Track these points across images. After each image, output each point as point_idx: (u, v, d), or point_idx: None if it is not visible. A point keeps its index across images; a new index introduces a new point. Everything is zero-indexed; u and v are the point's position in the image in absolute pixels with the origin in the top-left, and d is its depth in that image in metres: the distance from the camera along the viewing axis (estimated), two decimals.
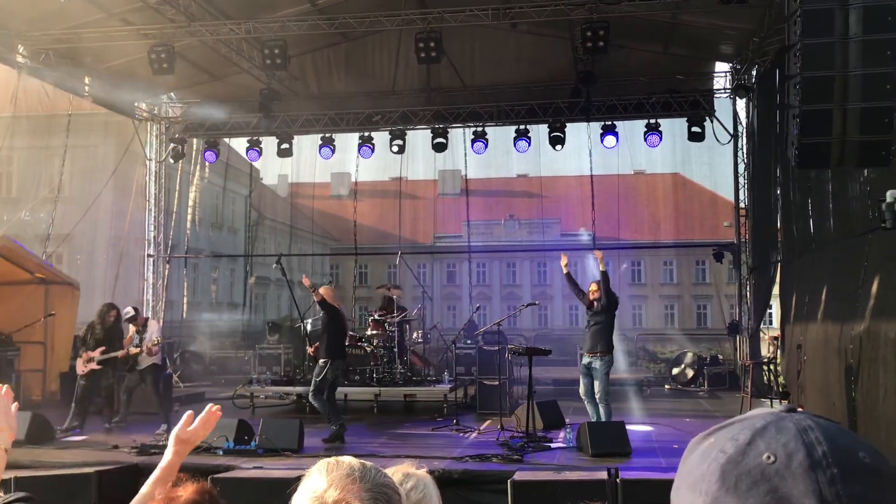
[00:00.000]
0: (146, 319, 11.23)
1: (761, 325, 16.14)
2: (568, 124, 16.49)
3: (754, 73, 15.10)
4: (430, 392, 12.73)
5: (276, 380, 13.80)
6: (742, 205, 16.66)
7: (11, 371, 12.73)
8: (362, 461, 1.40)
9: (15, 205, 19.13)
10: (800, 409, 0.85)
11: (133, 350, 10.49)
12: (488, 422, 10.92)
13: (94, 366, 10.45)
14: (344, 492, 1.30)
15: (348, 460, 1.38)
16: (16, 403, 2.61)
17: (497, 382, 11.42)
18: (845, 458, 0.77)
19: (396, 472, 2.09)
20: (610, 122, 16.33)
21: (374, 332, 13.00)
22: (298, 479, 1.39)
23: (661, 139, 16.35)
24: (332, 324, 9.97)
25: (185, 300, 20.88)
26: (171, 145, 17.75)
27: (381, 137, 17.49)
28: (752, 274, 15.89)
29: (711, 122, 16.39)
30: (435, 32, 12.45)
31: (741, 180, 16.65)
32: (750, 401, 11.72)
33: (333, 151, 17.63)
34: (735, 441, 0.80)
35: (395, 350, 12.90)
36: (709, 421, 11.43)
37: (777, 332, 14.35)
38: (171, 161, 18.25)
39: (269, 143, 17.69)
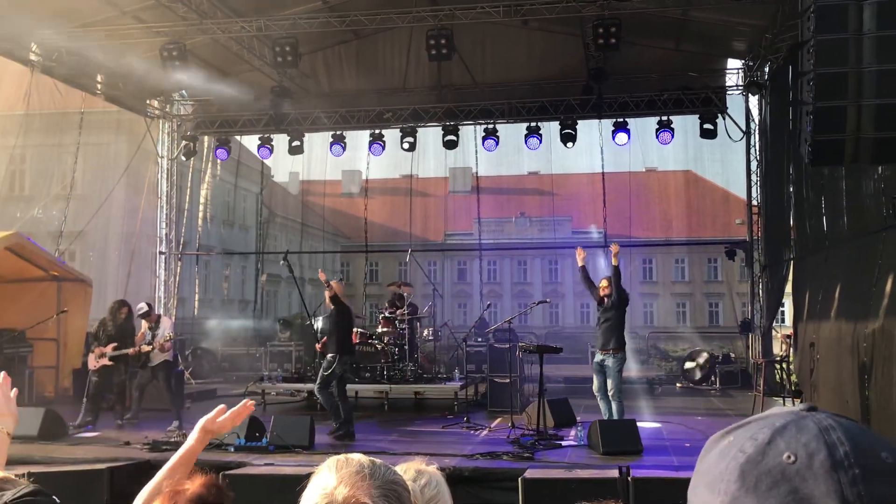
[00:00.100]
0: (159, 316, 11.26)
1: (774, 324, 16.06)
2: (579, 121, 16.45)
3: (767, 69, 15.01)
4: (440, 389, 12.73)
5: (287, 377, 13.83)
6: (755, 202, 16.58)
7: (24, 368, 12.81)
8: (372, 458, 1.39)
9: (28, 202, 19.25)
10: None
11: (145, 347, 10.53)
12: (499, 419, 10.90)
13: (105, 362, 10.49)
14: (354, 489, 1.29)
15: (358, 457, 1.38)
16: (15, 389, 2.63)
17: (508, 380, 11.41)
18: (867, 459, 0.75)
19: (408, 469, 2.09)
20: (621, 120, 16.28)
21: (385, 329, 13.01)
22: (309, 475, 1.39)
23: (672, 136, 16.28)
24: (342, 319, 10.03)
25: (196, 297, 20.96)
26: (183, 143, 17.81)
27: (391, 135, 17.50)
28: (765, 272, 15.81)
29: (724, 119, 16.31)
30: (446, 29, 12.44)
31: (754, 178, 16.56)
32: (762, 399, 11.66)
33: (344, 149, 17.65)
34: (754, 440, 0.79)
35: (406, 347, 12.90)
36: (721, 419, 11.41)
37: (790, 331, 14.26)
38: (183, 158, 18.31)
39: (281, 141, 17.73)
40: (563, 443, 9.18)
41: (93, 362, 10.59)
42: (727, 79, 16.56)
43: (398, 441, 9.64)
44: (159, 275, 18.42)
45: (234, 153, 19.41)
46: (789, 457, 0.76)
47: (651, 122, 16.54)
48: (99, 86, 15.51)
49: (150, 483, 2.34)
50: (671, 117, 16.23)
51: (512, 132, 17.78)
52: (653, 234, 33.65)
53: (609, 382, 9.64)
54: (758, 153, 16.27)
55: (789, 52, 12.43)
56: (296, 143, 17.41)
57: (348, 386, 12.30)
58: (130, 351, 10.53)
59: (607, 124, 16.68)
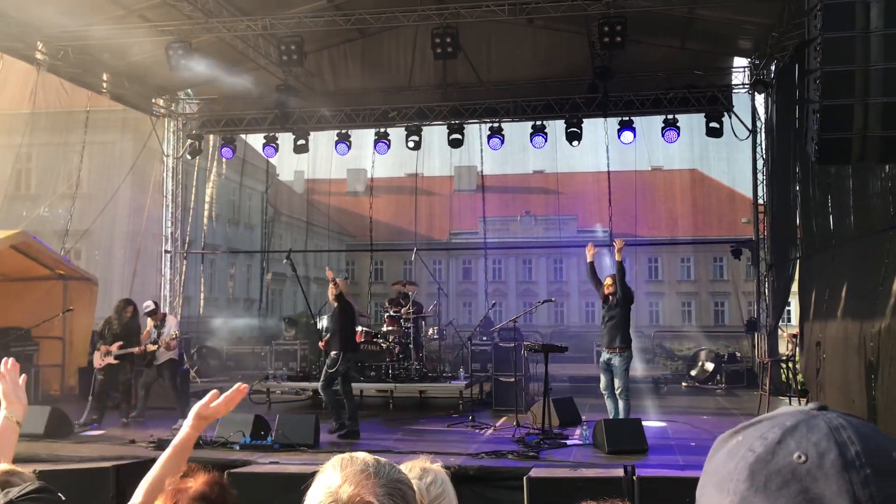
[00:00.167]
0: (164, 314, 11.30)
1: (780, 323, 16.02)
2: (585, 120, 16.42)
3: (773, 68, 14.97)
4: (445, 388, 12.72)
5: (293, 376, 13.84)
6: (761, 201, 16.53)
7: (30, 366, 12.82)
8: (377, 457, 1.38)
9: (34, 201, 19.28)
10: None
11: (150, 346, 10.55)
12: (504, 418, 10.89)
13: (111, 360, 10.51)
14: (358, 487, 1.29)
15: (362, 456, 1.37)
16: (23, 376, 2.62)
17: (513, 379, 11.39)
18: (879, 459, 0.74)
19: (413, 467, 2.09)
20: (627, 118, 16.25)
21: (390, 328, 13.01)
22: (314, 474, 1.38)
23: (678, 135, 16.25)
24: (346, 317, 10.08)
25: (201, 296, 20.98)
26: (188, 141, 17.85)
27: (396, 133, 17.49)
28: (771, 271, 15.76)
29: (730, 117, 16.27)
30: (451, 28, 12.43)
31: (760, 176, 16.52)
32: (768, 399, 11.63)
33: (349, 147, 17.66)
34: (764, 439, 0.78)
35: (411, 346, 12.90)
36: (726, 418, 11.40)
37: (796, 330, 14.24)
38: (188, 157, 18.34)
39: (286, 140, 17.73)
40: (569, 442, 9.16)
41: (98, 361, 10.61)
42: (733, 77, 16.52)
43: (403, 440, 9.64)
44: (165, 273, 18.46)
45: (239, 152, 19.43)
46: (800, 456, 0.75)
47: (657, 121, 16.51)
48: (105, 84, 15.55)
49: (150, 473, 2.33)
50: (677, 116, 16.19)
51: (517, 131, 17.77)
52: (658, 232, 33.57)
53: (616, 381, 9.63)
54: (764, 152, 16.22)
55: (796, 51, 12.40)
56: (301, 141, 17.41)
57: (354, 385, 12.39)
58: (136, 350, 10.55)
59: (613, 123, 16.64)
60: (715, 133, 16.23)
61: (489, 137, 16.85)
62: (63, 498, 1.82)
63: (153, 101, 17.40)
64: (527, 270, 44.54)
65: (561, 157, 21.42)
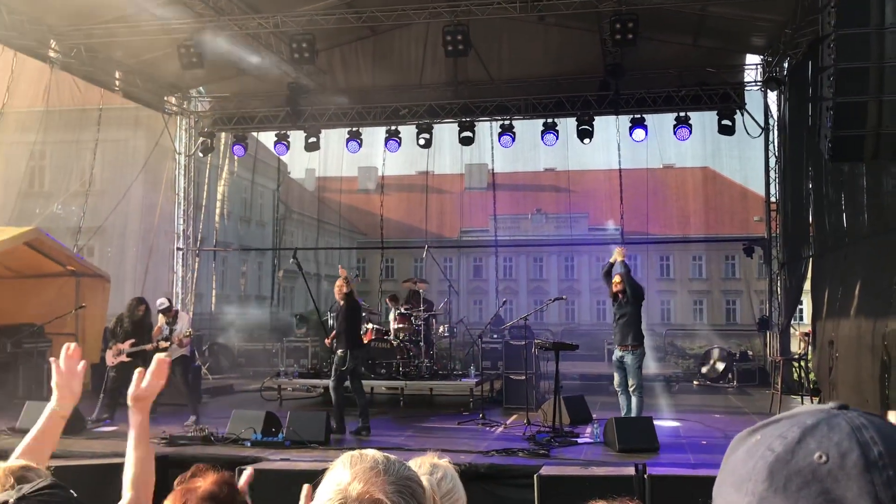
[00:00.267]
0: (177, 311, 11.34)
1: (792, 321, 15.93)
2: (596, 118, 16.38)
3: (786, 65, 14.88)
4: (455, 386, 12.72)
5: (304, 373, 13.87)
6: (773, 199, 16.45)
7: (43, 362, 12.90)
8: (386, 454, 1.38)
9: (47, 198, 19.37)
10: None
11: (163, 343, 10.59)
12: (514, 416, 10.88)
13: (123, 358, 10.56)
14: (368, 485, 1.28)
15: (372, 453, 1.37)
16: (83, 362, 2.56)
17: (524, 377, 11.38)
18: None
19: (423, 463, 2.09)
20: (639, 116, 16.19)
21: (401, 325, 13.01)
22: (325, 471, 1.38)
23: (690, 132, 16.18)
24: (352, 316, 10.14)
25: (213, 293, 21.06)
26: (200, 139, 17.91)
27: (407, 131, 17.49)
28: (783, 269, 15.68)
29: (742, 115, 16.19)
30: (462, 25, 12.41)
31: (772, 174, 16.43)
32: (780, 397, 11.58)
33: (360, 145, 17.68)
34: (784, 439, 0.76)
35: (421, 344, 12.90)
36: (738, 417, 11.35)
37: (808, 328, 14.15)
38: (200, 155, 18.41)
39: (297, 137, 17.77)
40: (579, 440, 9.15)
41: (111, 359, 10.66)
42: (745, 74, 16.43)
43: (413, 437, 9.64)
44: (177, 270, 18.53)
45: (250, 150, 19.48)
46: (820, 456, 0.73)
47: (668, 119, 16.45)
48: (117, 82, 15.62)
49: (128, 469, 2.29)
50: (689, 113, 16.13)
51: (528, 128, 17.73)
52: (670, 230, 33.46)
53: (629, 378, 9.64)
54: (776, 149, 16.14)
55: (809, 47, 12.32)
56: (312, 139, 17.45)
57: (364, 383, 12.40)
58: (148, 347, 10.59)
59: (624, 120, 16.59)
60: (727, 131, 16.16)
61: (500, 135, 16.82)
62: (74, 494, 1.82)
63: (165, 98, 17.47)
64: (537, 268, 44.48)
65: (572, 155, 21.35)
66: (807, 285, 14.50)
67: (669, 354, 20.38)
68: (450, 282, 14.67)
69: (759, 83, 16.14)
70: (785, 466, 0.74)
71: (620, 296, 9.81)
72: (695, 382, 16.15)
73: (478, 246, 37.17)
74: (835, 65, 7.04)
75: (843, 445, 0.73)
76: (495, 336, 13.51)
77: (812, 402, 12.03)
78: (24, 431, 9.08)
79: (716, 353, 16.65)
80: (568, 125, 16.74)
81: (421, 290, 13.65)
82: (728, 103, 16.08)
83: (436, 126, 17.35)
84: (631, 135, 16.34)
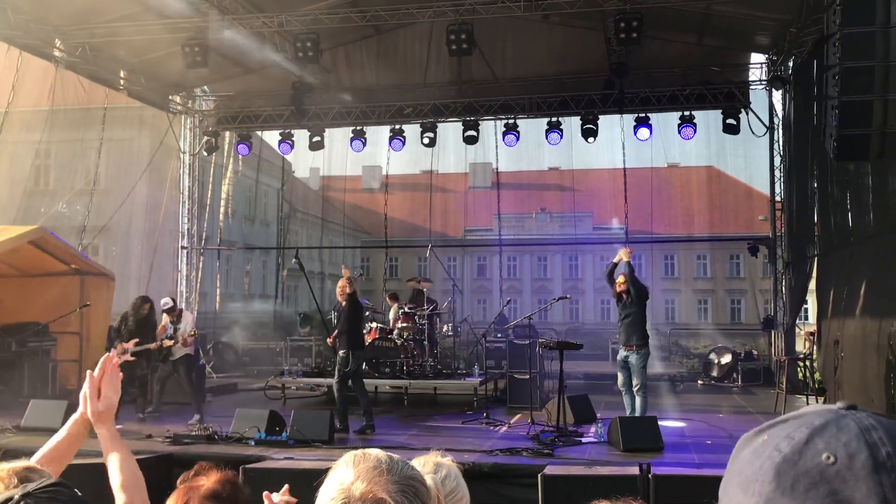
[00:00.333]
0: (181, 310, 11.34)
1: (797, 321, 15.89)
2: (600, 116, 16.35)
3: (791, 64, 14.83)
4: (459, 385, 12.72)
5: (308, 371, 13.88)
6: (778, 198, 16.41)
7: (48, 360, 12.95)
8: (389, 454, 1.37)
9: (52, 197, 19.43)
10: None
11: (167, 342, 10.60)
12: (518, 416, 10.88)
13: (128, 357, 10.55)
14: (371, 484, 1.28)
15: (375, 453, 1.36)
16: (119, 375, 2.51)
17: (528, 376, 11.37)
18: None
19: (427, 462, 2.09)
20: (643, 115, 16.16)
21: (404, 324, 13.01)
22: (329, 470, 1.38)
23: (695, 131, 16.16)
24: (354, 316, 10.18)
25: (218, 292, 21.08)
26: (205, 138, 17.92)
27: (412, 130, 17.48)
28: (788, 268, 15.65)
29: (747, 114, 16.14)
30: (466, 24, 12.40)
31: (777, 173, 16.39)
32: (785, 397, 11.55)
33: (365, 144, 17.68)
34: (791, 439, 0.75)
35: (425, 343, 12.90)
36: (743, 417, 11.32)
37: (813, 328, 14.12)
38: (205, 154, 18.42)
39: (301, 136, 17.78)
40: (583, 439, 9.14)
41: (115, 357, 10.67)
42: (750, 73, 16.37)
43: (417, 436, 9.64)
44: (181, 269, 18.55)
45: (255, 149, 19.49)
46: (828, 457, 0.72)
47: (673, 117, 16.41)
48: (122, 81, 15.64)
49: (114, 477, 2.27)
50: (693, 112, 16.10)
51: (532, 127, 17.71)
52: (674, 229, 33.43)
53: (633, 378, 9.63)
54: (781, 148, 16.10)
55: (814, 46, 12.28)
56: (316, 138, 17.45)
57: (368, 381, 12.44)
58: (152, 346, 10.60)
59: (629, 119, 16.56)
60: (732, 130, 16.12)
61: (504, 134, 16.80)
62: (79, 493, 1.82)
63: (170, 97, 17.49)
64: (542, 267, 44.47)
65: (576, 154, 21.37)
66: (812, 285, 14.45)
67: (674, 354, 20.36)
68: (454, 281, 14.66)
69: (763, 82, 16.09)
70: (792, 467, 0.73)
71: (625, 296, 9.80)
72: (699, 382, 16.12)
73: (482, 245, 37.19)
74: (840, 63, 7.02)
75: (852, 446, 0.72)
76: (499, 335, 13.50)
77: (817, 402, 12.02)
78: (29, 430, 9.13)
79: (720, 352, 16.62)
80: (572, 124, 16.71)
81: (425, 289, 13.66)
82: (733, 102, 16.04)
83: (440, 125, 17.34)
84: (635, 134, 16.32)
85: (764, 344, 17.31)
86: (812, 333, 13.81)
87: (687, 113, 16.05)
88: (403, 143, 17.49)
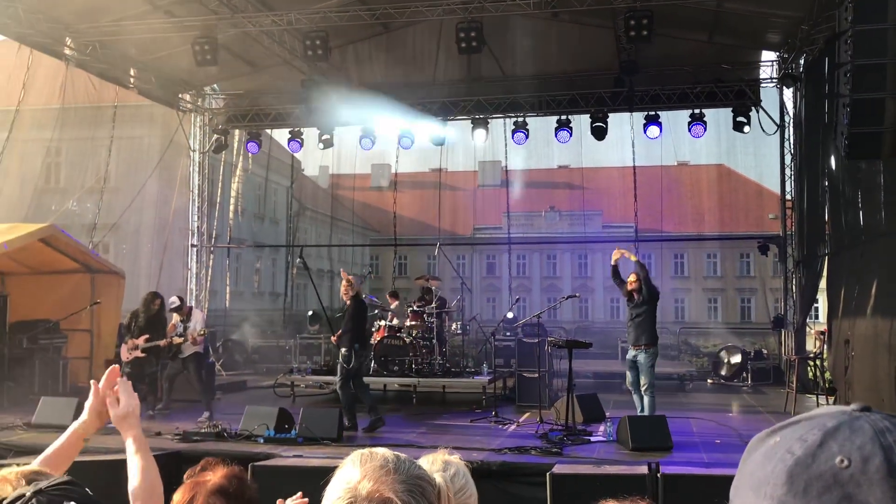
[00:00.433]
0: (191, 308, 11.38)
1: (807, 320, 15.82)
2: (610, 115, 16.30)
3: (802, 61, 14.76)
4: (468, 384, 12.71)
5: (317, 369, 13.90)
6: (789, 196, 16.33)
7: (59, 358, 13.01)
8: (396, 453, 1.37)
9: (63, 195, 19.51)
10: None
11: (177, 339, 10.63)
12: (527, 414, 10.87)
13: (138, 354, 10.61)
14: (378, 483, 1.27)
15: (382, 452, 1.36)
16: (116, 387, 2.54)
17: (537, 375, 11.35)
18: None
19: (435, 460, 2.09)
20: (653, 113, 16.11)
21: (413, 322, 13.01)
22: (337, 468, 1.37)
23: (705, 129, 16.09)
24: (359, 315, 10.21)
25: (227, 289, 21.15)
26: (215, 136, 17.96)
27: (421, 128, 17.46)
28: (799, 267, 15.57)
29: (757, 112, 16.07)
30: (476, 22, 12.38)
31: (788, 171, 16.31)
32: (795, 396, 11.50)
33: (374, 143, 17.68)
34: (804, 442, 0.74)
35: (434, 341, 12.90)
36: (752, 416, 11.29)
37: (823, 327, 14.05)
38: (214, 152, 18.46)
39: (311, 135, 17.80)
40: (592, 438, 9.12)
41: (125, 354, 10.72)
42: (761, 71, 16.30)
43: (426, 434, 9.64)
44: (191, 267, 18.61)
45: (264, 147, 19.54)
46: (842, 460, 0.71)
47: (683, 116, 16.35)
48: (132, 80, 15.69)
49: (133, 483, 2.29)
50: (704, 110, 16.03)
51: (542, 125, 17.69)
52: (684, 228, 33.32)
53: (642, 377, 9.61)
54: (792, 147, 16.02)
55: (826, 44, 12.21)
56: (325, 136, 17.47)
57: (377, 380, 12.54)
58: (162, 343, 10.64)
59: (639, 117, 16.50)
60: (742, 128, 16.05)
61: (513, 132, 16.78)
62: (90, 493, 1.82)
63: (179, 96, 17.54)
64: (551, 266, 44.42)
65: (586, 152, 21.30)
66: (822, 283, 14.39)
67: (683, 353, 20.31)
68: (462, 279, 14.65)
69: (774, 80, 16.01)
70: (805, 470, 0.72)
71: (636, 295, 9.78)
72: (709, 381, 16.08)
73: (491, 243, 37.17)
74: (852, 61, 6.97)
75: (866, 449, 0.71)
76: (508, 333, 13.48)
77: (827, 402, 11.96)
78: (40, 427, 9.16)
79: (730, 351, 16.56)
80: (582, 122, 16.66)
81: (434, 288, 13.64)
82: (743, 100, 15.96)
83: (449, 123, 17.33)
84: (645, 132, 16.26)
85: (774, 343, 17.24)
86: (822, 332, 13.75)
87: (697, 111, 15.99)
88: (412, 142, 17.49)
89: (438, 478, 1.88)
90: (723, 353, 16.68)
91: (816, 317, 21.30)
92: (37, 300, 13.21)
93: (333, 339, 10.86)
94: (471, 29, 12.33)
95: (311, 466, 7.13)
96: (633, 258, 10.10)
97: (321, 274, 30.49)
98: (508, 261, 24.55)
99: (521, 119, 16.72)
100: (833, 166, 12.62)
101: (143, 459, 2.31)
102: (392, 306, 13.96)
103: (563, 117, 16.48)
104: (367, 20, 13.35)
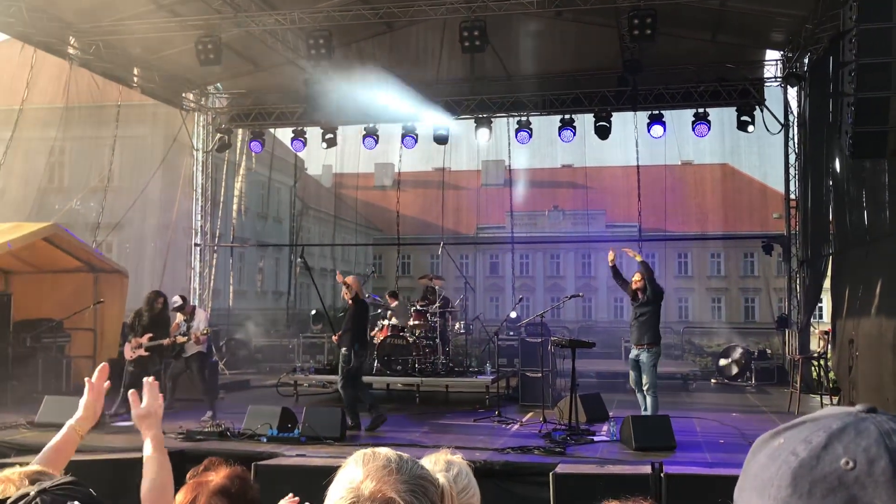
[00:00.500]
0: (194, 307, 11.38)
1: (811, 320, 15.78)
2: (614, 114, 16.28)
3: (806, 60, 14.72)
4: (471, 383, 12.70)
5: (320, 368, 13.90)
6: (793, 196, 16.29)
7: (62, 357, 13.03)
8: (399, 453, 1.36)
9: (66, 194, 19.56)
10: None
11: (180, 339, 10.63)
12: (530, 414, 10.86)
13: (142, 352, 10.62)
14: (380, 483, 1.27)
15: (385, 452, 1.35)
16: (107, 383, 2.59)
17: (540, 374, 11.35)
18: None
19: (438, 460, 2.09)
20: (657, 112, 16.08)
21: (416, 322, 13.01)
22: (339, 468, 1.37)
23: (709, 129, 16.06)
24: (360, 315, 10.24)
25: (231, 289, 21.17)
26: (218, 136, 17.97)
27: (424, 128, 17.47)
28: (803, 267, 15.54)
29: (761, 111, 16.04)
30: (479, 21, 12.37)
31: (792, 171, 16.27)
32: (799, 396, 11.48)
33: (377, 142, 17.68)
34: (808, 443, 0.74)
35: (438, 341, 12.89)
36: (756, 416, 11.27)
37: (828, 327, 14.02)
38: (218, 151, 18.48)
39: (314, 134, 17.80)
40: (596, 438, 9.11)
41: (129, 353, 10.72)
42: (765, 70, 16.26)
43: (429, 434, 9.63)
44: (195, 266, 18.62)
45: (267, 146, 19.55)
46: (847, 462, 0.70)
47: (687, 115, 16.33)
48: (135, 79, 15.70)
49: (151, 486, 2.32)
50: (708, 109, 16.01)
51: (545, 124, 17.66)
52: (688, 227, 33.32)
53: (644, 377, 9.60)
54: (796, 146, 15.97)
55: (830, 43, 12.18)
56: (329, 135, 17.47)
57: (380, 379, 12.63)
58: (166, 341, 10.64)
59: (642, 117, 16.48)
60: (746, 127, 16.02)
61: (517, 131, 16.77)
62: (94, 493, 1.82)
63: (183, 95, 17.55)
64: (554, 265, 44.43)
65: (590, 152, 21.29)
66: (827, 283, 14.36)
67: (687, 352, 20.28)
68: (466, 278, 14.64)
69: (778, 79, 15.98)
70: (810, 472, 0.72)
71: (640, 294, 9.76)
72: (712, 381, 16.05)
73: (494, 242, 37.21)
74: (856, 60, 6.95)
75: (872, 452, 0.70)
76: (511, 333, 13.48)
77: (832, 402, 11.94)
78: (43, 426, 9.17)
79: (734, 351, 16.53)
80: (585, 121, 16.65)
81: (437, 287, 13.64)
82: (747, 99, 15.94)
83: (452, 122, 17.32)
84: (649, 131, 16.24)
85: (778, 343, 17.21)
86: (827, 332, 13.72)
87: (701, 110, 15.96)
88: (416, 141, 17.48)
89: (442, 478, 1.88)
90: (726, 353, 16.65)
91: (820, 316, 21.27)
92: (40, 299, 13.23)
93: (334, 338, 10.88)
94: (474, 28, 12.32)
95: (314, 466, 7.14)
96: (638, 258, 10.11)
97: (324, 273, 30.54)
98: (512, 260, 24.55)
99: (524, 118, 16.71)
100: (837, 166, 12.59)
101: (159, 459, 2.37)
102: (392, 306, 13.97)
103: (567, 116, 16.47)
104: (370, 19, 13.35)
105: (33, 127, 15.94)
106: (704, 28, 14.57)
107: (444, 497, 1.85)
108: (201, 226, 18.73)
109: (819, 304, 17.47)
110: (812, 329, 15.68)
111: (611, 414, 10.33)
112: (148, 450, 2.43)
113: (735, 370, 16.04)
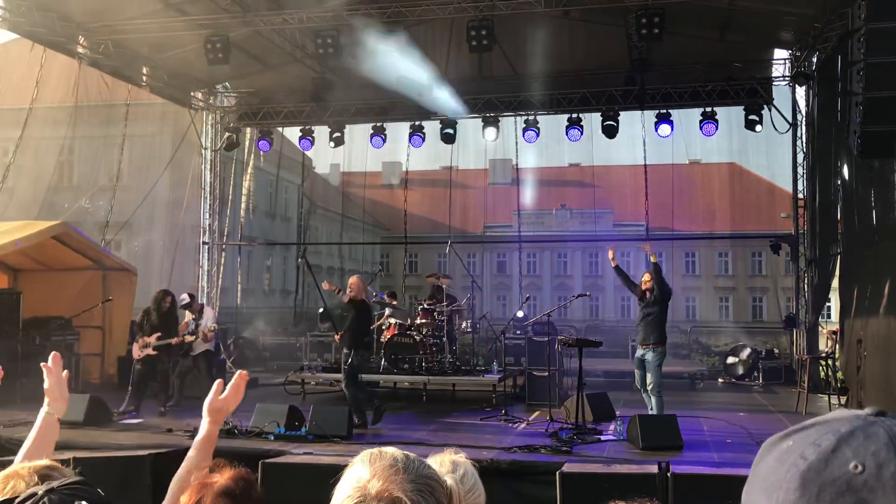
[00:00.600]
0: (202, 306, 11.43)
1: (819, 319, 15.73)
2: (621, 113, 16.25)
3: (815, 60, 14.67)
4: (478, 382, 12.71)
5: (327, 367, 13.92)
6: (801, 195, 16.24)
7: (71, 354, 13.09)
8: (406, 452, 1.37)
9: (75, 192, 19.63)
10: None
11: (188, 337, 10.67)
12: (537, 413, 10.85)
13: (150, 351, 10.66)
14: (387, 483, 1.27)
15: (391, 451, 1.36)
16: (66, 372, 2.70)
17: (547, 373, 11.34)
18: None
19: (444, 461, 2.10)
20: (664, 111, 16.05)
21: (424, 321, 13.02)
22: (346, 465, 1.38)
23: (717, 128, 16.02)
24: (361, 317, 10.31)
25: (239, 287, 21.22)
26: (226, 134, 18.02)
27: (431, 126, 17.47)
28: (811, 266, 15.49)
29: (769, 110, 15.99)
30: (487, 20, 12.37)
31: (800, 170, 16.22)
32: (806, 396, 11.45)
33: (385, 140, 17.70)
34: (817, 447, 0.74)
35: (444, 339, 12.90)
36: (763, 416, 11.24)
37: (836, 327, 13.98)
38: (226, 150, 18.52)
39: (322, 133, 17.83)
40: (602, 437, 9.10)
41: (137, 351, 10.77)
42: (773, 69, 16.21)
43: (436, 433, 9.64)
44: (203, 264, 18.68)
45: (276, 145, 19.58)
46: (856, 466, 0.70)
47: (695, 114, 16.28)
48: (144, 78, 15.75)
49: (178, 474, 2.36)
50: (715, 108, 15.96)
51: (553, 123, 17.65)
52: (696, 227, 33.21)
53: (648, 377, 9.60)
54: (804, 145, 15.93)
55: (839, 42, 12.14)
56: (337, 134, 17.50)
57: (387, 377, 12.85)
58: (174, 340, 10.68)
59: (650, 116, 16.46)
60: (754, 126, 15.97)
61: (524, 130, 16.76)
62: (102, 493, 1.84)
63: (191, 94, 17.60)
64: (562, 264, 44.38)
65: (597, 151, 21.27)
66: (835, 283, 14.31)
67: (694, 352, 20.23)
68: (473, 277, 14.64)
69: (787, 78, 15.93)
70: (818, 476, 0.72)
71: (648, 294, 9.76)
72: (720, 380, 16.02)
73: (501, 241, 37.15)
74: (865, 59, 6.94)
75: (881, 456, 0.70)
76: (518, 332, 13.48)
77: (839, 401, 11.90)
78: None
79: (741, 350, 16.49)
80: (593, 120, 16.62)
81: (444, 286, 13.65)
82: (755, 98, 15.89)
83: (460, 121, 17.32)
84: (656, 130, 16.21)
85: (785, 342, 17.16)
86: (834, 332, 13.67)
87: (709, 109, 15.92)
88: (423, 140, 17.49)
89: (449, 479, 1.89)
90: (734, 353, 16.61)
91: (828, 316, 21.20)
92: (50, 297, 13.30)
93: (336, 337, 10.93)
94: (482, 27, 12.32)
95: (321, 463, 7.15)
96: (653, 258, 10.08)
97: (332, 271, 30.57)
98: (519, 259, 24.54)
99: (531, 117, 16.70)
100: (846, 165, 12.55)
101: (197, 456, 2.44)
102: (392, 305, 13.99)
103: (574, 115, 16.46)
104: (378, 19, 13.35)
105: (43, 126, 16.02)
106: (712, 27, 14.53)
107: (453, 498, 1.86)
108: (209, 224, 18.78)
109: (827, 304, 17.42)
110: (820, 329, 15.63)
111: (618, 413, 10.31)
112: (201, 437, 2.53)
113: (742, 370, 16.00)
